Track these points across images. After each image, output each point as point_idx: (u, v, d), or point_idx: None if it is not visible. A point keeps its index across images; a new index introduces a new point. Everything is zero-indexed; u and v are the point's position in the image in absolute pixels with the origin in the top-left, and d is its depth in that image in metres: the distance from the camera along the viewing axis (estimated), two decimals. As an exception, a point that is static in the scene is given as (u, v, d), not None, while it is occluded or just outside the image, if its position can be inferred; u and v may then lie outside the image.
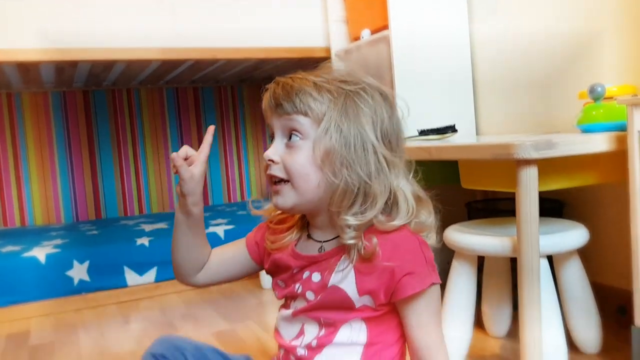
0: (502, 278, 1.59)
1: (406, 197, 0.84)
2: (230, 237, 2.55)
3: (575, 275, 1.43)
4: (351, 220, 0.82)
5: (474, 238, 1.38)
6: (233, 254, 1.01)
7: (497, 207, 2.00)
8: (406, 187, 0.85)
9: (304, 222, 0.94)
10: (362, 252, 0.83)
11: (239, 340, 1.77)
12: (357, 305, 0.85)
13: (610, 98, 1.45)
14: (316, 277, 0.87)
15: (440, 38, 2.14)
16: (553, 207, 1.80)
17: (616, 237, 1.72)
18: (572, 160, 1.31)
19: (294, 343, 0.90)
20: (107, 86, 3.29)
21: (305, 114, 0.83)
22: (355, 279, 0.84)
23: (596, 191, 1.76)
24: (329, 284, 0.85)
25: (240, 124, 3.66)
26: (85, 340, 1.87)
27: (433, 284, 0.83)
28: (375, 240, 0.82)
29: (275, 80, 0.87)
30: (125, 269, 2.37)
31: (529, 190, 1.22)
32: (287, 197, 0.85)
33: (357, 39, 2.33)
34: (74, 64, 2.43)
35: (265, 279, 2.37)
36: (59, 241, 2.45)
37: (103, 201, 3.34)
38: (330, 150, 0.82)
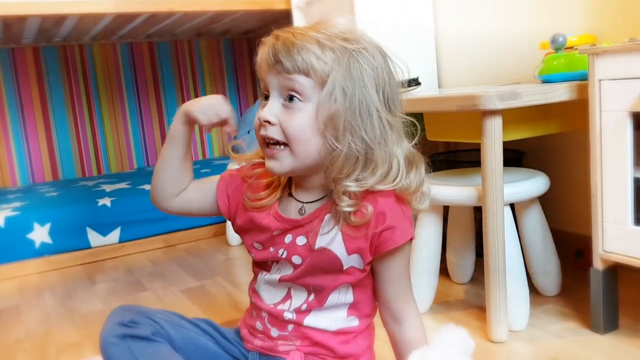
0: (466, 227, 1.63)
1: (399, 164, 0.83)
2: (194, 194, 2.54)
3: (536, 222, 1.48)
4: (353, 186, 0.80)
5: (439, 189, 1.40)
6: (207, 191, 0.96)
7: (458, 159, 2.04)
8: (400, 153, 0.83)
9: (286, 179, 0.91)
10: (353, 219, 0.81)
11: (209, 297, 1.78)
12: (345, 266, 0.84)
13: (571, 48, 1.47)
14: (301, 240, 0.86)
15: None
16: (513, 157, 1.84)
17: (573, 184, 1.78)
18: (535, 109, 1.34)
19: (281, 307, 0.89)
20: (58, 42, 3.15)
21: (308, 74, 0.78)
22: (343, 239, 0.83)
23: (554, 140, 1.81)
24: (316, 246, 0.84)
25: (199, 79, 3.58)
26: (52, 302, 1.85)
27: (411, 239, 0.85)
28: (370, 208, 0.81)
29: (273, 33, 0.82)
30: (88, 229, 2.33)
31: (493, 140, 1.24)
32: (284, 162, 0.81)
33: (318, -10, 2.29)
34: (22, 19, 2.32)
35: (233, 236, 2.38)
36: (17, 204, 2.39)
37: (59, 162, 3.25)
38: (334, 114, 0.78)
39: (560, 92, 1.29)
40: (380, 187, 0.82)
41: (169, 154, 0.93)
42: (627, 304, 1.36)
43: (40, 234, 2.25)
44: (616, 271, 1.29)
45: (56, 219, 2.28)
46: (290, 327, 0.89)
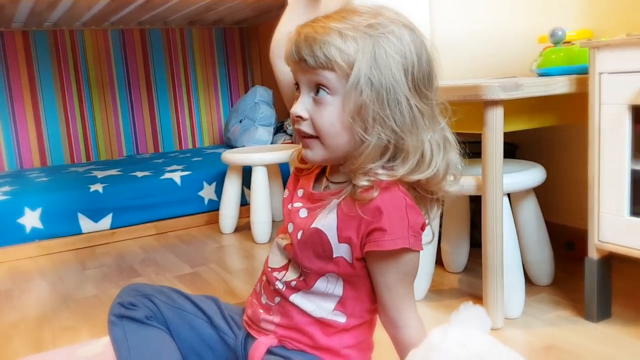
0: (461, 218, 1.66)
1: (432, 151, 0.80)
2: (187, 183, 2.53)
3: (531, 212, 1.51)
4: (382, 175, 0.78)
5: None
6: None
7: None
8: (432, 139, 0.80)
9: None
10: (358, 192, 0.79)
11: (204, 282, 1.79)
12: (335, 254, 0.82)
13: (569, 43, 1.50)
14: (303, 212, 0.87)
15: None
16: (507, 149, 1.86)
17: (565, 177, 1.82)
18: (533, 102, 1.36)
19: (276, 274, 0.90)
20: (48, 27, 3.12)
21: (332, 69, 0.76)
22: (337, 223, 0.82)
23: (547, 134, 1.84)
24: (312, 225, 0.83)
25: (190, 68, 3.57)
26: (44, 287, 1.84)
27: (406, 248, 0.79)
28: (375, 193, 0.78)
29: (296, 30, 0.80)
30: (80, 215, 2.32)
31: (495, 130, 1.26)
32: (316, 152, 0.82)
33: (315, -20, 2.29)
34: (16, 1, 2.29)
35: (226, 224, 2.38)
36: (7, 188, 2.36)
37: (48, 148, 3.22)
38: (361, 105, 0.76)
39: (561, 85, 1.31)
40: (412, 177, 0.79)
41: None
42: (618, 294, 1.39)
43: (31, 219, 2.23)
44: (610, 261, 1.32)
45: (47, 204, 2.27)
46: (277, 299, 0.89)
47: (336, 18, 0.78)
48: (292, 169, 0.98)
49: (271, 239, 2.23)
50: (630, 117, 1.20)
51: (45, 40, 3.17)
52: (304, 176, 0.92)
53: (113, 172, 2.65)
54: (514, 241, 1.38)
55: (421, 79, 0.79)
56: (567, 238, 1.77)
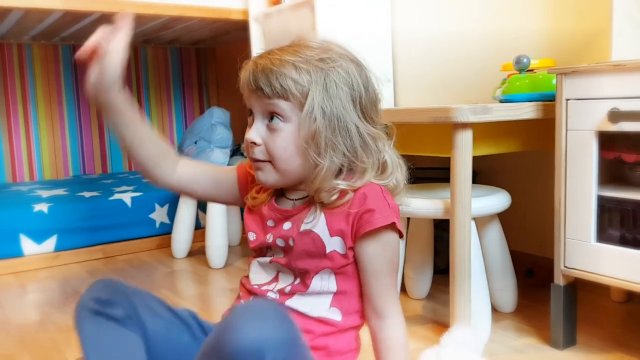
0: (425, 243, 1.64)
1: (392, 163, 0.89)
2: (138, 204, 2.43)
3: (495, 238, 1.50)
4: (342, 184, 0.85)
5: (406, 200, 1.40)
6: (224, 181, 0.99)
7: (410, 175, 2.05)
8: (391, 154, 0.90)
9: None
10: (332, 204, 0.86)
11: (156, 308, 1.69)
12: (328, 249, 0.86)
13: (532, 71, 1.52)
14: (287, 225, 0.89)
15: (363, 6, 2.14)
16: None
17: (523, 205, 1.83)
18: (498, 127, 1.36)
19: (266, 288, 0.91)
20: (-6, 39, 2.98)
21: (287, 99, 0.83)
22: (326, 220, 0.86)
23: (506, 161, 1.86)
24: (301, 229, 0.87)
25: (144, 88, 3.47)
26: (-20, 312, 1.71)
27: (393, 228, 0.86)
28: (350, 195, 0.85)
29: (252, 59, 0.86)
30: (22, 236, 2.18)
31: (464, 153, 1.26)
32: (268, 175, 0.87)
33: (277, 2, 2.28)
34: (-39, 9, 2.17)
35: (178, 248, 2.29)
36: (-58, 206, 2.21)
37: (-12, 166, 3.05)
38: (315, 132, 0.83)
39: (528, 110, 1.32)
40: (377, 181, 0.87)
41: (116, 130, 0.88)
42: (581, 321, 1.39)
43: (-33, 239, 2.08)
44: (576, 287, 1.32)
45: (-14, 224, 2.13)
46: None
47: (290, 51, 0.84)
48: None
49: (227, 264, 2.16)
50: (596, 143, 1.21)
51: (-10, 53, 3.02)
52: (257, 209, 0.94)
53: (59, 191, 2.53)
54: (480, 266, 1.36)
55: (369, 107, 0.87)
56: (525, 265, 1.77)
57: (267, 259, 0.92)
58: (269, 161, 0.86)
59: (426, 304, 1.64)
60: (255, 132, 0.86)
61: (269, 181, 0.88)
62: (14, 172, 3.12)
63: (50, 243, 2.24)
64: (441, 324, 1.46)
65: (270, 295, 0.90)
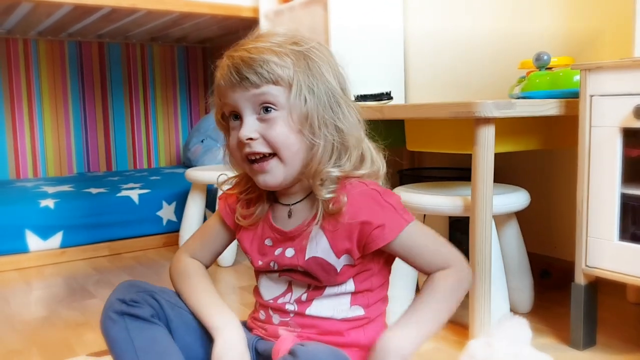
0: (439, 241, 1.61)
1: (369, 148, 0.88)
2: (145, 202, 2.41)
3: (513, 237, 1.48)
4: (334, 171, 0.83)
5: (424, 197, 1.38)
6: (215, 238, 1.00)
7: (421, 175, 2.04)
8: (367, 141, 0.88)
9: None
10: (330, 207, 0.83)
11: (166, 305, 1.67)
12: (339, 268, 0.85)
13: (551, 68, 1.50)
14: (289, 252, 0.87)
15: (375, 4, 2.12)
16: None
17: (538, 206, 1.81)
18: (520, 125, 1.35)
19: (282, 300, 0.89)
20: (0, 34, 2.96)
21: (276, 83, 0.81)
22: (329, 242, 0.84)
23: (523, 160, 1.84)
24: (306, 257, 0.85)
25: (150, 86, 3.45)
26: (-13, 307, 1.68)
27: (407, 222, 0.84)
28: (345, 199, 0.83)
29: (226, 55, 0.84)
30: (27, 232, 2.15)
31: (486, 149, 1.24)
32: (276, 173, 0.83)
33: (289, -1, 2.26)
34: (-29, 1, 2.16)
35: (184, 245, 2.26)
36: (-53, 200, 2.18)
37: (-8, 162, 3.03)
38: (308, 113, 0.82)
39: (552, 106, 1.30)
40: (358, 172, 0.85)
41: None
42: (601, 321, 1.36)
43: (-27, 234, 2.06)
44: (597, 287, 1.29)
45: (-8, 219, 2.10)
46: (291, 315, 0.89)
47: (262, 40, 0.83)
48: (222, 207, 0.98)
49: (236, 262, 2.13)
50: (621, 139, 1.19)
51: (-4, 49, 3.01)
52: (252, 227, 0.92)
53: (65, 187, 2.50)
54: (499, 264, 1.34)
55: (343, 81, 0.88)
56: (539, 267, 1.75)
57: (275, 274, 0.90)
58: (274, 154, 0.83)
59: (440, 303, 1.62)
60: (249, 128, 0.82)
61: (277, 179, 0.84)
62: (17, 168, 3.09)
63: (56, 239, 2.21)
64: (458, 324, 1.44)
65: (289, 307, 0.89)
